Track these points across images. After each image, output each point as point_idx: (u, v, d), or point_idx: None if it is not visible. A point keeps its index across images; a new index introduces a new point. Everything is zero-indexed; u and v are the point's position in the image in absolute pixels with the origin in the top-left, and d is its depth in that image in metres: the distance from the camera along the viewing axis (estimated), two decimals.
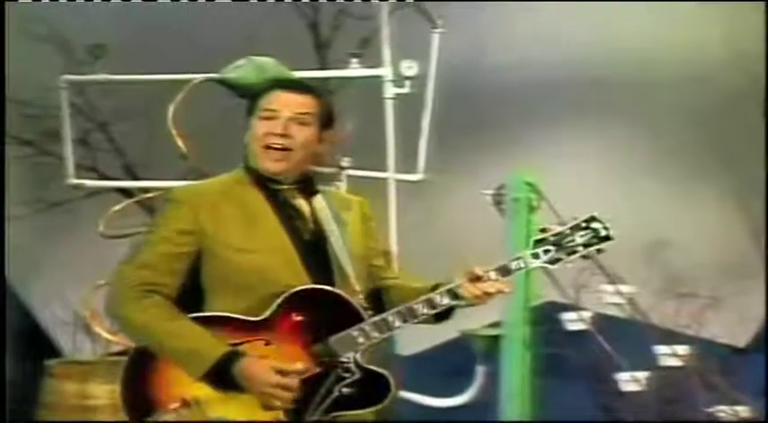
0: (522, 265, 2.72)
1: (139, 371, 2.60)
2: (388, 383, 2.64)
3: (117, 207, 5.25)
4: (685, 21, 6.91)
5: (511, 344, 5.10)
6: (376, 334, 2.62)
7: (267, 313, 2.58)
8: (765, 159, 6.67)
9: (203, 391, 2.57)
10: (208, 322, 2.58)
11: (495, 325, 5.29)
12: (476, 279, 2.64)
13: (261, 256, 2.61)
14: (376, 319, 2.63)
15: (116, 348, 5.57)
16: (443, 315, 2.71)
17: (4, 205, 5.71)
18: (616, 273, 5.73)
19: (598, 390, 5.71)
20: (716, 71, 6.79)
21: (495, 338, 5.27)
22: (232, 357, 2.53)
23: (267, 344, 2.57)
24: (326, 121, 2.74)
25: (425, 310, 2.66)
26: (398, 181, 5.30)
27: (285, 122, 2.65)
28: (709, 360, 5.60)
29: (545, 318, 5.41)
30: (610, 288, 5.78)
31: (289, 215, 2.68)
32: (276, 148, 2.64)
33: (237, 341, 2.57)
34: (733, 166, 6.83)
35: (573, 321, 5.75)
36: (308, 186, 2.73)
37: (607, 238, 2.78)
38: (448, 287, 2.69)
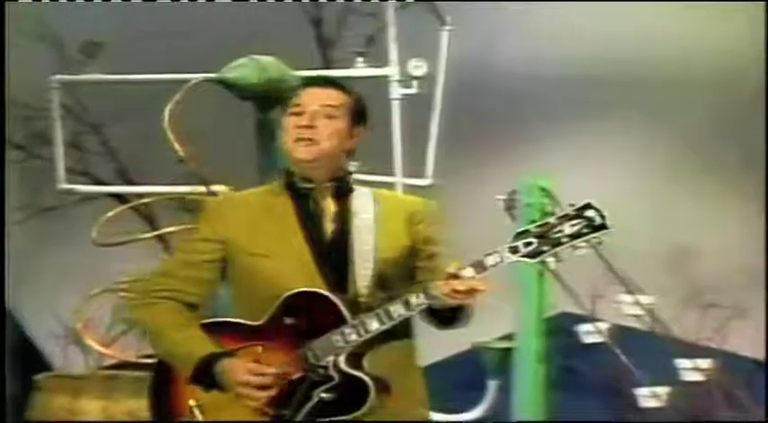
0: (499, 260, 2.62)
1: (164, 379, 2.73)
2: (367, 389, 2.65)
3: (110, 213, 5.26)
4: (708, 18, 6.90)
5: (524, 357, 5.09)
6: (354, 337, 2.66)
7: (265, 318, 2.69)
8: (765, 161, 6.67)
9: (211, 396, 2.69)
10: (213, 328, 2.73)
11: (508, 337, 5.29)
12: (451, 277, 2.63)
13: (275, 260, 2.71)
14: (354, 321, 2.67)
15: (109, 362, 5.58)
16: (447, 320, 2.72)
17: (5, 208, 5.72)
18: (635, 281, 5.72)
19: (615, 406, 5.70)
20: (741, 70, 6.78)
21: (508, 351, 5.26)
22: (213, 359, 2.67)
23: (263, 348, 2.69)
24: (358, 116, 2.82)
25: (402, 311, 2.67)
26: (406, 186, 5.30)
27: (311, 115, 2.76)
28: (734, 375, 5.59)
29: (559, 329, 5.41)
30: (628, 298, 5.77)
31: (311, 218, 2.76)
32: (303, 139, 2.74)
33: (238, 346, 2.70)
34: (758, 169, 6.82)
35: (589, 333, 5.74)
36: (341, 186, 2.79)
37: (602, 226, 2.60)
38: (423, 286, 2.67)
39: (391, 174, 5.21)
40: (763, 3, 6.56)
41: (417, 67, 5.34)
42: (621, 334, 5.71)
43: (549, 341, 5.14)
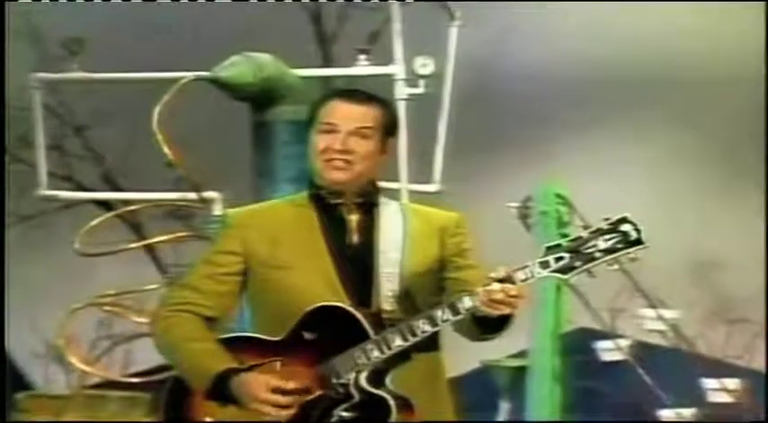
0: (529, 275, 2.65)
1: (180, 395, 2.78)
2: (389, 408, 2.69)
3: (95, 221, 5.25)
4: (733, 15, 6.91)
5: (538, 376, 5.09)
6: (376, 353, 2.70)
7: (286, 333, 2.74)
8: (765, 161, 6.68)
9: (227, 412, 2.73)
10: (232, 343, 2.78)
11: (521, 355, 5.29)
12: (492, 283, 2.64)
13: (297, 273, 2.78)
14: (377, 337, 2.71)
15: (93, 381, 5.58)
16: (490, 329, 2.73)
17: (4, 209, 5.72)
18: (657, 295, 5.72)
19: None
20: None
21: (521, 370, 5.26)
22: (228, 374, 2.72)
23: (283, 365, 2.73)
24: (390, 129, 2.87)
25: (427, 327, 2.70)
26: (412, 192, 5.31)
27: (345, 137, 2.80)
28: (763, 395, 5.58)
29: (577, 346, 5.40)
30: (650, 312, 5.77)
31: (337, 231, 2.82)
32: (337, 160, 2.80)
33: (257, 362, 2.74)
34: None
35: (609, 351, 5.74)
36: (369, 199, 2.85)
37: (638, 241, 2.63)
38: (449, 302, 2.70)
39: (396, 179, 5.22)
40: (763, 3, 6.58)
41: (424, 66, 5.35)
42: (643, 351, 5.71)
43: (565, 359, 5.14)
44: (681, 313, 5.86)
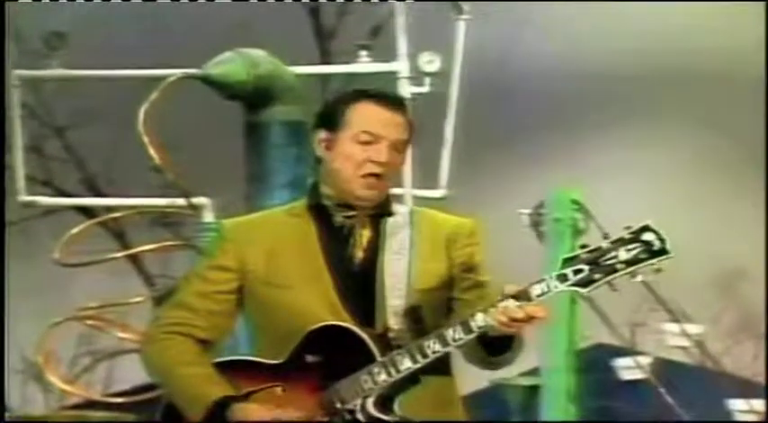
0: (546, 290, 2.61)
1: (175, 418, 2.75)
2: None
3: (76, 229, 5.24)
4: (760, 12, 6.90)
5: (552, 396, 5.07)
6: (383, 376, 2.67)
7: (285, 356, 2.71)
8: (765, 161, 6.67)
9: None
10: (228, 367, 2.76)
11: (533, 373, 5.28)
12: (506, 300, 2.59)
13: (295, 291, 2.75)
14: (384, 359, 2.68)
15: (72, 400, 5.57)
16: (498, 351, 2.69)
17: (4, 210, 5.73)
18: (681, 308, 5.71)
19: None
20: None
21: (533, 389, 5.26)
22: (226, 401, 2.69)
23: (283, 390, 2.71)
24: (412, 137, 2.83)
25: (438, 347, 2.66)
26: (417, 198, 5.31)
27: (388, 150, 2.75)
28: None
29: (593, 364, 5.37)
30: (673, 327, 5.75)
31: (338, 243, 2.78)
32: (374, 175, 2.74)
33: (254, 388, 2.72)
34: None
35: (628, 368, 5.72)
36: (383, 210, 2.82)
37: (662, 251, 2.60)
38: (461, 319, 2.66)
39: (400, 184, 5.22)
40: (763, 3, 6.58)
41: (430, 62, 5.35)
42: (665, 369, 5.69)
43: (580, 378, 5.12)
44: (706, 328, 5.84)
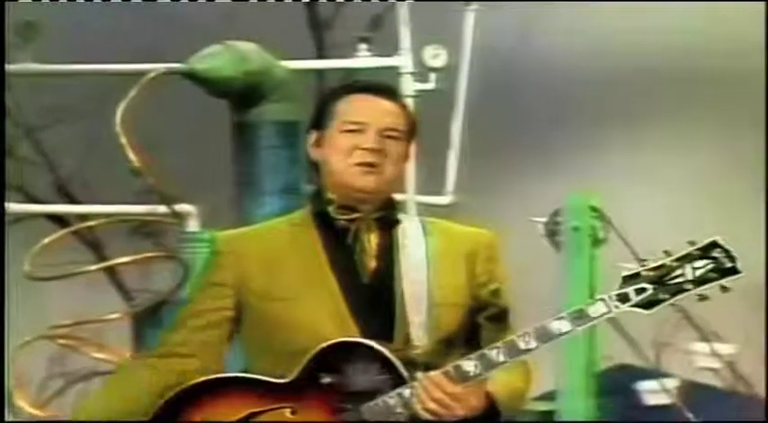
0: (605, 310, 2.65)
1: None
2: None
3: (47, 239, 5.25)
4: None
5: (570, 421, 5.08)
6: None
7: (295, 374, 2.71)
8: (765, 160, 6.71)
9: None
10: (227, 385, 2.75)
11: (549, 397, 5.27)
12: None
13: (299, 305, 2.76)
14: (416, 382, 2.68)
15: None
16: None
17: (5, 209, 5.73)
18: (710, 326, 5.71)
19: None
20: None
21: (549, 414, 5.24)
22: None
23: (293, 412, 2.70)
24: (413, 132, 2.87)
25: (479, 370, 2.67)
26: (421, 204, 5.32)
27: (377, 134, 2.79)
28: None
29: (615, 387, 5.40)
30: (702, 347, 5.76)
31: (347, 254, 2.80)
32: (368, 164, 2.78)
33: (258, 409, 2.71)
34: None
35: (653, 392, 5.72)
36: (387, 216, 2.84)
37: (733, 270, 2.64)
38: (505, 340, 2.68)
39: (403, 190, 5.22)
40: (763, 2, 6.62)
41: (435, 57, 5.36)
42: (693, 393, 5.69)
43: (601, 402, 5.11)
44: (738, 347, 5.84)
